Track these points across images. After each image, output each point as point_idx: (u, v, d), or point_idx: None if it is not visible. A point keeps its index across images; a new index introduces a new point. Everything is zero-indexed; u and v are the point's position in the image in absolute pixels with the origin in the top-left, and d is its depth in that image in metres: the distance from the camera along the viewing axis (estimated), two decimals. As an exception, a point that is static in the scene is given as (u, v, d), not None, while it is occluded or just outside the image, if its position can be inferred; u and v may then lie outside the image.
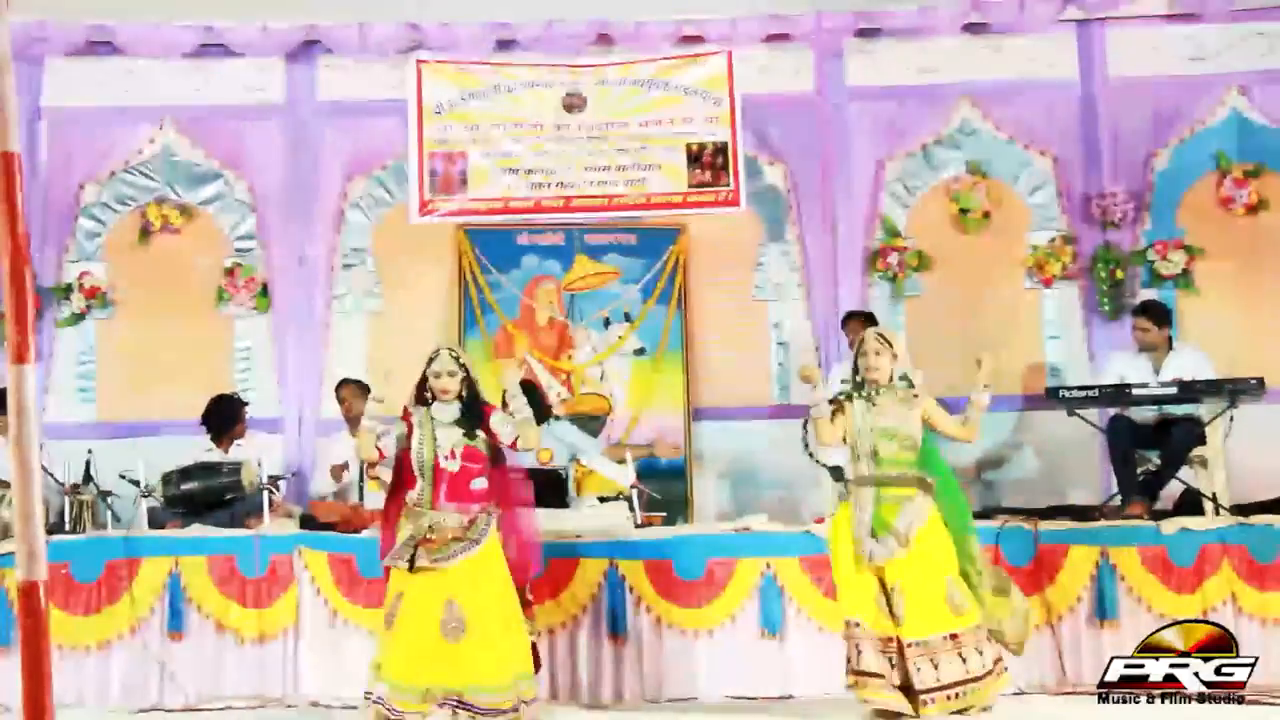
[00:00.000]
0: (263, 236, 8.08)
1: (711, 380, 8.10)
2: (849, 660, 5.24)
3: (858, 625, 5.23)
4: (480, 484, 5.28)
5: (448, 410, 5.33)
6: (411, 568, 5.13)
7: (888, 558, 5.23)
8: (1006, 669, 5.34)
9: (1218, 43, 7.99)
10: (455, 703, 5.08)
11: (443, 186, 8.09)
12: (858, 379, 5.49)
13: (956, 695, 5.15)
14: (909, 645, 5.17)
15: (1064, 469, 7.76)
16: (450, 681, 5.08)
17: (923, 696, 5.12)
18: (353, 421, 7.20)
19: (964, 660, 5.17)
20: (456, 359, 5.36)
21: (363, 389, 7.23)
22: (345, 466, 7.11)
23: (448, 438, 5.28)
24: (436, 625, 5.09)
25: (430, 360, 5.36)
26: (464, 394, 5.33)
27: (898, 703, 5.14)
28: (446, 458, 5.25)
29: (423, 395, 5.37)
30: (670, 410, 8.02)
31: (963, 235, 8.08)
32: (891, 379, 5.44)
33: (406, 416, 5.35)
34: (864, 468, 5.38)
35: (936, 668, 5.14)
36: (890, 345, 5.48)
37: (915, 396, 5.43)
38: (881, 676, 5.17)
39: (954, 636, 5.18)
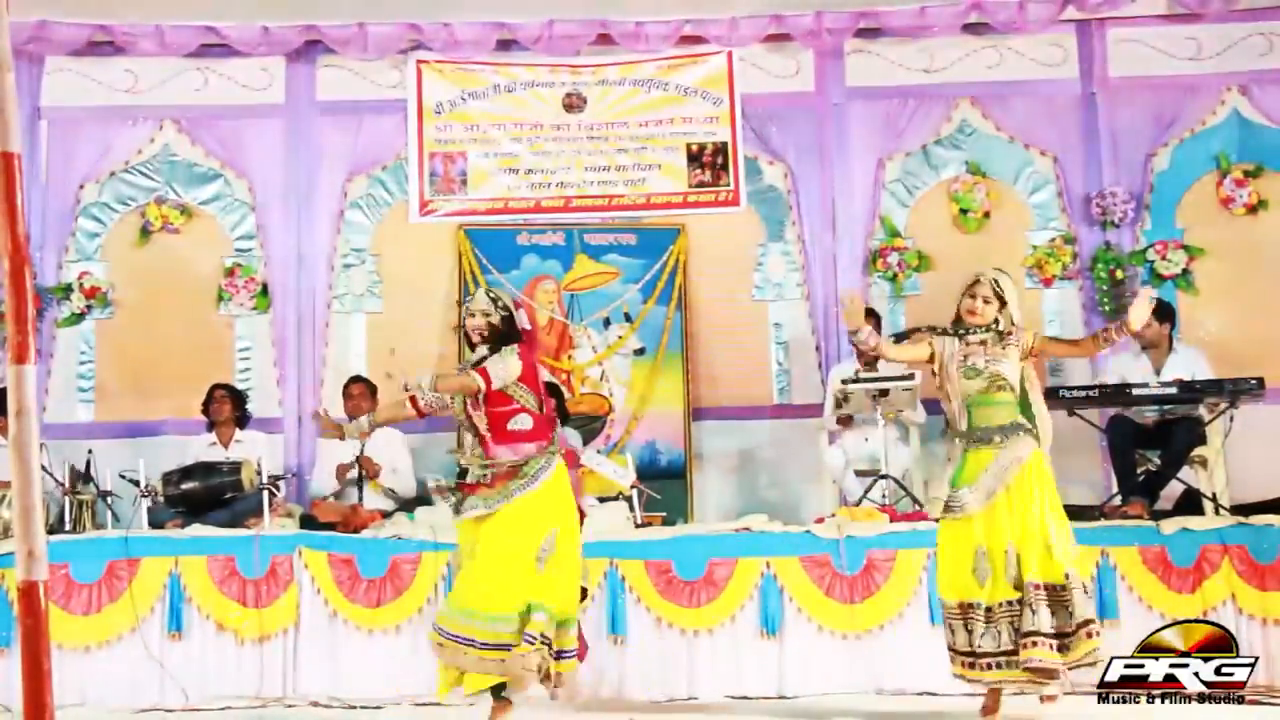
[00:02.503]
0: (263, 236, 8.08)
1: (711, 380, 8.09)
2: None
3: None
4: (521, 422, 4.99)
5: (480, 355, 5.08)
6: (457, 513, 5.05)
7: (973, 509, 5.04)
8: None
9: (1218, 43, 7.99)
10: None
11: (443, 186, 8.10)
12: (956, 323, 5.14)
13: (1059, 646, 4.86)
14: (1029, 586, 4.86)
15: (1064, 469, 7.71)
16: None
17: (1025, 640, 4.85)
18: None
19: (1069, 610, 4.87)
20: (495, 300, 5.07)
21: (371, 388, 7.23)
22: (351, 466, 7.08)
23: None
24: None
25: (468, 302, 5.21)
26: (497, 336, 5.04)
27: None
28: (472, 407, 5.02)
29: (470, 340, 5.14)
30: (670, 410, 8.02)
31: (963, 235, 8.08)
32: (990, 328, 5.10)
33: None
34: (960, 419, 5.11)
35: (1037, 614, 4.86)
36: (1000, 296, 5.06)
37: (1009, 334, 5.05)
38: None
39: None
